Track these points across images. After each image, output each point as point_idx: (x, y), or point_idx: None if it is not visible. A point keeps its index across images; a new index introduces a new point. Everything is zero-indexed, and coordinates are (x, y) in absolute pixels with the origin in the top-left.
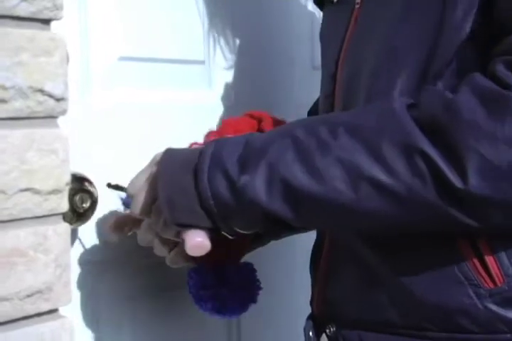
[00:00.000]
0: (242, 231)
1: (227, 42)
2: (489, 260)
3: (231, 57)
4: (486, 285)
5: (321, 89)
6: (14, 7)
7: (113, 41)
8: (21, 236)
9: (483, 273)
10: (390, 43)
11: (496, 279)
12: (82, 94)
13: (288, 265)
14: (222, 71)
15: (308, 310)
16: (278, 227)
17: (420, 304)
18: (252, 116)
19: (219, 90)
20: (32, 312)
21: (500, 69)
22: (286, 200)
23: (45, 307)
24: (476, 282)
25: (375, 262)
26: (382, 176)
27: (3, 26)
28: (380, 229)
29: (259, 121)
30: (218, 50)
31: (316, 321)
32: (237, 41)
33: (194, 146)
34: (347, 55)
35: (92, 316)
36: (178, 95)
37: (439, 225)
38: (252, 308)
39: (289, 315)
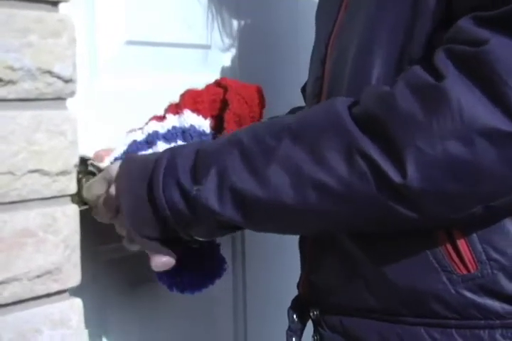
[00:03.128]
0: (202, 239)
1: (232, 27)
2: (462, 246)
3: (236, 41)
4: (458, 271)
5: (310, 71)
6: None
7: (120, 25)
8: (30, 216)
9: (456, 259)
10: (369, 29)
11: (469, 265)
12: (89, 78)
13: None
14: (227, 55)
15: None
16: (236, 231)
17: (396, 289)
18: (219, 85)
19: (224, 74)
20: (41, 293)
21: (441, 57)
22: (237, 207)
23: (55, 287)
24: (449, 268)
25: (353, 249)
26: (324, 178)
27: (11, 7)
28: (330, 230)
29: (226, 89)
30: (224, 34)
31: (302, 304)
32: (243, 25)
33: (153, 121)
34: (336, 39)
35: (98, 298)
36: (184, 78)
37: (385, 222)
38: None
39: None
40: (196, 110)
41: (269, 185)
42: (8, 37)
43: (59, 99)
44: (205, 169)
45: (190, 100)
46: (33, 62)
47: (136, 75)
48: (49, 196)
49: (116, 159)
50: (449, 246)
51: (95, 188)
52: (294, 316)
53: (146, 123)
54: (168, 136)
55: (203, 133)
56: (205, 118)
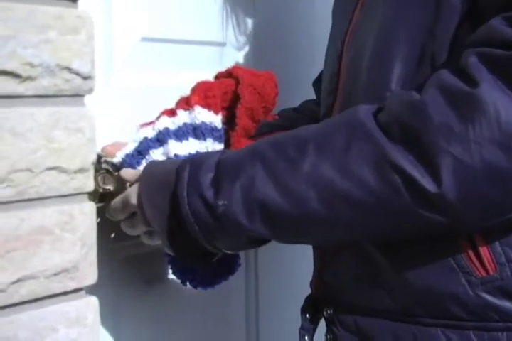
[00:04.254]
0: (229, 251)
1: (246, 24)
2: (482, 248)
3: (251, 39)
4: (478, 273)
5: (326, 66)
6: None
7: (136, 22)
8: (47, 214)
9: (476, 261)
10: (387, 28)
11: (488, 267)
12: (104, 74)
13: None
14: (242, 52)
15: None
16: (265, 244)
17: (413, 290)
18: (230, 75)
19: None
20: (58, 291)
21: (473, 61)
22: (265, 222)
23: (71, 285)
24: (468, 270)
25: (370, 249)
26: (353, 191)
27: (30, 4)
28: (359, 240)
29: (237, 81)
30: (239, 32)
31: (315, 302)
32: (257, 23)
33: (164, 117)
34: (352, 37)
35: (113, 295)
36: (199, 76)
37: (417, 231)
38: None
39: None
40: (207, 105)
41: (297, 200)
42: (28, 33)
43: (77, 95)
44: (229, 183)
45: (201, 94)
46: (51, 58)
47: (151, 72)
48: (66, 193)
49: (127, 156)
50: (469, 248)
51: (116, 212)
52: (307, 315)
53: (158, 118)
54: (179, 134)
55: (214, 129)
56: (217, 113)
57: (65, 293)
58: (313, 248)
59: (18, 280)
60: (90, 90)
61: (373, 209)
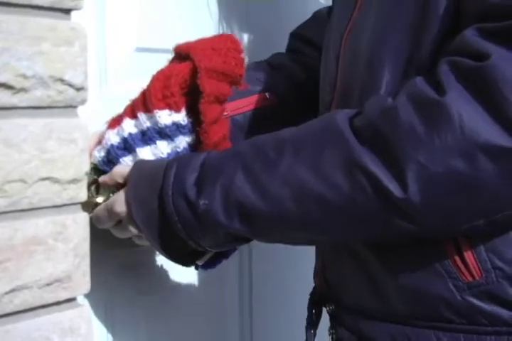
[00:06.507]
0: (212, 250)
1: (241, 38)
2: (467, 254)
3: (245, 53)
4: (464, 278)
5: (324, 64)
6: None
7: (130, 32)
8: (41, 224)
9: (462, 267)
10: (378, 33)
11: (474, 273)
12: (98, 84)
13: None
14: None
15: None
16: (247, 242)
17: (405, 293)
18: (188, 56)
19: None
20: (51, 301)
21: (444, 70)
22: (243, 221)
23: (64, 295)
24: (454, 275)
25: (366, 252)
26: (324, 191)
27: (24, 15)
28: (333, 241)
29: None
30: None
31: (319, 296)
32: (252, 37)
33: (126, 120)
34: (349, 40)
35: (106, 302)
36: None
37: (386, 234)
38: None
39: (301, 286)
40: (167, 105)
41: (272, 198)
42: (21, 45)
43: (70, 106)
44: (210, 183)
45: (159, 95)
46: (45, 70)
47: (145, 82)
48: (60, 204)
49: (99, 162)
50: (455, 255)
51: (101, 221)
52: (313, 310)
53: (120, 117)
54: (145, 139)
55: (180, 126)
56: (179, 111)
57: (58, 303)
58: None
59: (11, 291)
60: (83, 101)
61: (343, 211)
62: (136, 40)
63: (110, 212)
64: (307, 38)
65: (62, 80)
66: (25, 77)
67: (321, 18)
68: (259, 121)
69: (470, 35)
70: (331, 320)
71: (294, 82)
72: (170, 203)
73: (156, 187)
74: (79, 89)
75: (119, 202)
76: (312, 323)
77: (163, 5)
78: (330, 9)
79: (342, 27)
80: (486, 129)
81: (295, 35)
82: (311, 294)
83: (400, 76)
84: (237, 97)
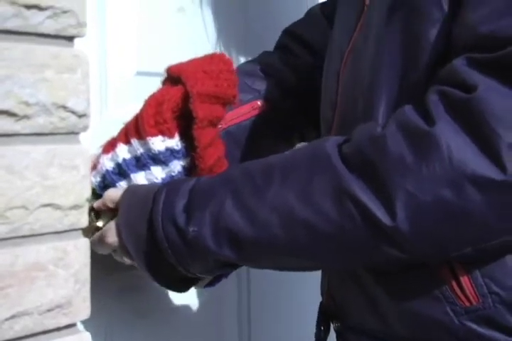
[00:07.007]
0: (202, 276)
1: (239, 62)
2: (464, 279)
3: None
4: (461, 303)
5: (325, 79)
6: (39, 24)
7: (130, 56)
8: (42, 250)
9: (459, 292)
10: (377, 56)
11: (471, 298)
12: (99, 108)
13: None
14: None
15: (317, 300)
16: (236, 268)
17: (405, 316)
18: (173, 79)
19: None
20: (51, 327)
21: (433, 100)
22: (232, 247)
23: (65, 321)
24: (452, 300)
25: (366, 277)
26: (312, 219)
27: (28, 43)
28: (323, 267)
29: (184, 85)
30: None
31: (326, 311)
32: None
33: (120, 145)
34: (350, 59)
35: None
36: None
37: (375, 261)
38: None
39: (299, 309)
40: (160, 132)
41: (260, 225)
42: (24, 72)
43: (72, 133)
44: (200, 210)
45: (151, 121)
46: (47, 97)
47: None
48: (61, 230)
49: (96, 186)
50: (452, 280)
51: (97, 249)
52: (321, 327)
53: (115, 141)
54: (139, 165)
55: (174, 151)
56: (172, 136)
57: (59, 329)
58: None
59: (12, 317)
60: (85, 128)
61: (331, 238)
62: (137, 65)
63: (103, 242)
64: (297, 35)
65: (64, 107)
66: (27, 104)
67: (313, 15)
68: (254, 130)
69: (459, 64)
70: (337, 337)
71: (285, 87)
72: (160, 229)
73: (145, 213)
74: (81, 116)
75: (110, 232)
76: (321, 340)
77: (162, 31)
78: (323, 6)
79: (343, 44)
80: (473, 160)
81: (285, 32)
82: (319, 310)
83: (395, 103)
84: (230, 109)
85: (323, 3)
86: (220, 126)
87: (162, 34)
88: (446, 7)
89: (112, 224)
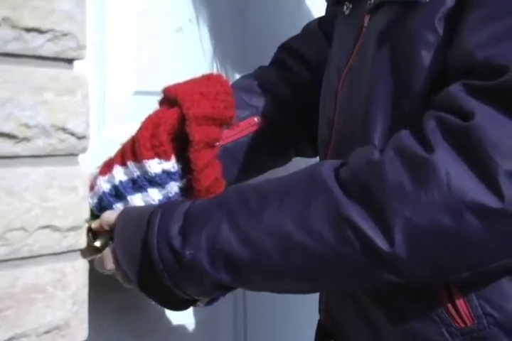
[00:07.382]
0: (199, 297)
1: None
2: (459, 301)
3: None
4: (457, 324)
5: (323, 98)
6: (40, 47)
7: (128, 76)
8: (40, 272)
9: (454, 314)
10: (373, 83)
11: (466, 319)
12: (97, 128)
13: None
14: None
15: (314, 320)
16: (233, 290)
17: (403, 339)
18: (169, 101)
19: None
20: None
21: (431, 126)
22: (228, 270)
23: None
24: (447, 321)
25: (365, 299)
26: (310, 244)
27: (28, 66)
28: (321, 291)
29: (179, 107)
30: None
31: (323, 328)
32: None
33: (116, 167)
34: (347, 79)
35: None
36: None
37: (372, 284)
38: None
39: (295, 328)
40: (156, 155)
41: (256, 249)
42: (25, 95)
43: (71, 155)
44: (196, 233)
45: (147, 145)
46: (47, 119)
47: None
48: (59, 251)
49: (93, 207)
50: (447, 301)
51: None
52: None
53: (111, 162)
54: (135, 187)
55: (170, 173)
56: (168, 159)
57: None
58: None
59: (10, 339)
60: (84, 149)
61: (328, 263)
62: (135, 84)
63: (103, 268)
64: (294, 50)
65: (64, 129)
66: (27, 126)
67: (310, 31)
68: (251, 146)
69: (456, 90)
70: None
71: (281, 102)
72: (155, 252)
73: (140, 235)
74: (80, 137)
75: (108, 258)
76: None
77: (160, 49)
78: (320, 21)
79: (341, 64)
80: (472, 188)
81: (282, 47)
82: (317, 328)
83: (390, 127)
84: (227, 127)
85: (320, 19)
86: (217, 143)
87: (160, 54)
88: (441, 31)
89: (109, 250)
